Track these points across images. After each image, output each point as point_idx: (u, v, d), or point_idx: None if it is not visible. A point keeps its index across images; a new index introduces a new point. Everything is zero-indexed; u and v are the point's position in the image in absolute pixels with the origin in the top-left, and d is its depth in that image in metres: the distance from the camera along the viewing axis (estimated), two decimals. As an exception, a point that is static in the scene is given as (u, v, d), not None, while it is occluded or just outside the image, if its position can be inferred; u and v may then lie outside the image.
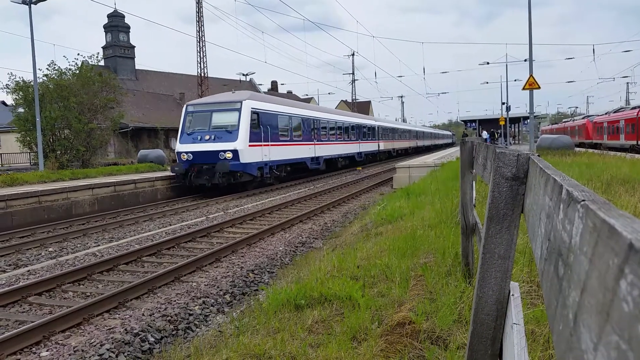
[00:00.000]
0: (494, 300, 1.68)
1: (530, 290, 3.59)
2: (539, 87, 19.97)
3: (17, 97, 22.92)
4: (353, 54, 65.07)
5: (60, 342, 5.08)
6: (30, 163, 29.50)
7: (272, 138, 19.86)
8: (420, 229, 6.78)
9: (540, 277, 1.00)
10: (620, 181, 9.11)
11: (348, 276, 5.03)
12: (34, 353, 4.86)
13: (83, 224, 12.66)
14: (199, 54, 42.71)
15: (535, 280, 3.69)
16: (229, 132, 17.90)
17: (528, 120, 26.83)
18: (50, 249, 9.68)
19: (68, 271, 7.29)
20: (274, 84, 73.92)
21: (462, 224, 4.36)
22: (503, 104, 43.85)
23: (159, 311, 5.88)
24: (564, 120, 67.12)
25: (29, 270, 7.91)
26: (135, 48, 53.71)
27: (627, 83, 77.68)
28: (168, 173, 19.03)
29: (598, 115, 40.83)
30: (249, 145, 18.06)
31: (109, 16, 52.54)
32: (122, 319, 5.68)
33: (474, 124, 54.08)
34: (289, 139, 21.88)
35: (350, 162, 32.04)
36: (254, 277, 7.46)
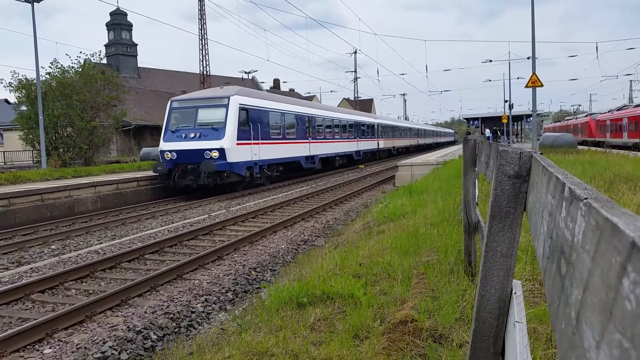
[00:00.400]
0: (497, 299, 1.68)
1: (533, 289, 3.59)
2: (542, 85, 19.92)
3: (20, 95, 22.96)
4: (355, 52, 65.10)
5: (63, 339, 5.10)
6: (33, 161, 29.56)
7: (262, 136, 18.99)
8: (422, 227, 6.78)
9: (543, 275, 1.00)
10: (623, 179, 9.10)
11: (350, 274, 5.04)
12: (37, 350, 4.87)
13: (86, 222, 12.68)
14: (201, 51, 42.78)
15: (537, 279, 3.69)
16: (215, 130, 16.96)
17: (531, 118, 26.78)
18: (53, 247, 9.71)
19: (71, 269, 7.31)
20: (277, 82, 73.96)
21: (465, 222, 4.35)
22: (506, 101, 43.81)
23: (162, 309, 5.90)
24: (566, 118, 66.97)
25: (31, 268, 7.93)
26: (137, 46, 53.88)
27: (631, 81, 77.67)
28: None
29: (601, 113, 40.72)
30: (237, 144, 17.17)
31: (111, 14, 52.64)
32: (125, 317, 5.70)
33: (476, 122, 54.08)
34: (281, 136, 20.98)
35: (348, 161, 31.08)
36: (256, 275, 7.47)
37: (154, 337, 5.17)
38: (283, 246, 9.23)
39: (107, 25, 53.31)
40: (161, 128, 18.71)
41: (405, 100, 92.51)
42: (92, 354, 4.67)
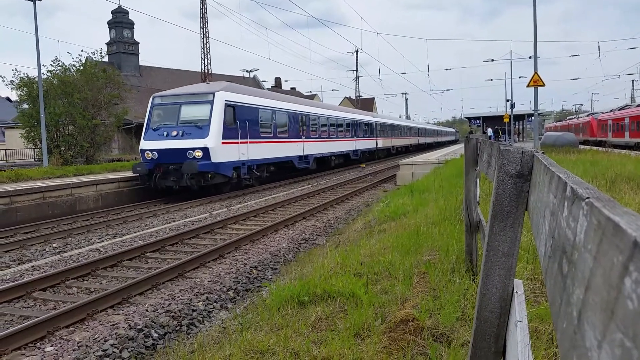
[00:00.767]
0: (498, 298, 1.68)
1: (534, 288, 3.59)
2: (544, 85, 19.88)
3: (22, 93, 22.97)
4: (357, 51, 64.94)
5: (65, 337, 5.11)
6: (34, 159, 29.59)
7: (251, 134, 18.03)
8: (423, 226, 6.78)
9: (544, 275, 1.00)
10: (625, 179, 9.09)
11: (351, 273, 5.04)
12: (39, 348, 4.88)
13: (87, 220, 12.70)
14: (202, 50, 42.81)
15: (539, 278, 3.69)
16: (199, 128, 15.97)
17: (532, 118, 26.74)
18: (54, 245, 9.72)
19: (72, 267, 7.33)
20: (278, 81, 73.96)
21: (466, 221, 4.35)
22: (507, 101, 43.79)
23: (163, 307, 5.90)
24: (568, 117, 66.86)
25: (33, 266, 7.95)
26: (139, 44, 53.88)
27: (632, 80, 77.40)
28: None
29: (603, 113, 40.65)
30: (222, 143, 16.20)
31: (113, 12, 52.68)
32: (126, 315, 5.71)
33: (478, 121, 54.02)
34: (272, 135, 19.97)
35: (345, 160, 30.16)
36: (257, 274, 7.48)
37: (155, 335, 5.18)
38: (284, 245, 9.23)
39: (109, 23, 53.37)
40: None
41: (406, 100, 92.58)
42: (94, 352, 4.68)
